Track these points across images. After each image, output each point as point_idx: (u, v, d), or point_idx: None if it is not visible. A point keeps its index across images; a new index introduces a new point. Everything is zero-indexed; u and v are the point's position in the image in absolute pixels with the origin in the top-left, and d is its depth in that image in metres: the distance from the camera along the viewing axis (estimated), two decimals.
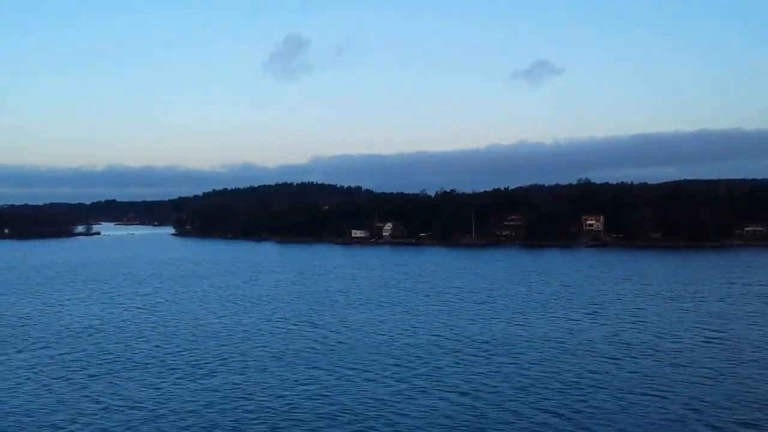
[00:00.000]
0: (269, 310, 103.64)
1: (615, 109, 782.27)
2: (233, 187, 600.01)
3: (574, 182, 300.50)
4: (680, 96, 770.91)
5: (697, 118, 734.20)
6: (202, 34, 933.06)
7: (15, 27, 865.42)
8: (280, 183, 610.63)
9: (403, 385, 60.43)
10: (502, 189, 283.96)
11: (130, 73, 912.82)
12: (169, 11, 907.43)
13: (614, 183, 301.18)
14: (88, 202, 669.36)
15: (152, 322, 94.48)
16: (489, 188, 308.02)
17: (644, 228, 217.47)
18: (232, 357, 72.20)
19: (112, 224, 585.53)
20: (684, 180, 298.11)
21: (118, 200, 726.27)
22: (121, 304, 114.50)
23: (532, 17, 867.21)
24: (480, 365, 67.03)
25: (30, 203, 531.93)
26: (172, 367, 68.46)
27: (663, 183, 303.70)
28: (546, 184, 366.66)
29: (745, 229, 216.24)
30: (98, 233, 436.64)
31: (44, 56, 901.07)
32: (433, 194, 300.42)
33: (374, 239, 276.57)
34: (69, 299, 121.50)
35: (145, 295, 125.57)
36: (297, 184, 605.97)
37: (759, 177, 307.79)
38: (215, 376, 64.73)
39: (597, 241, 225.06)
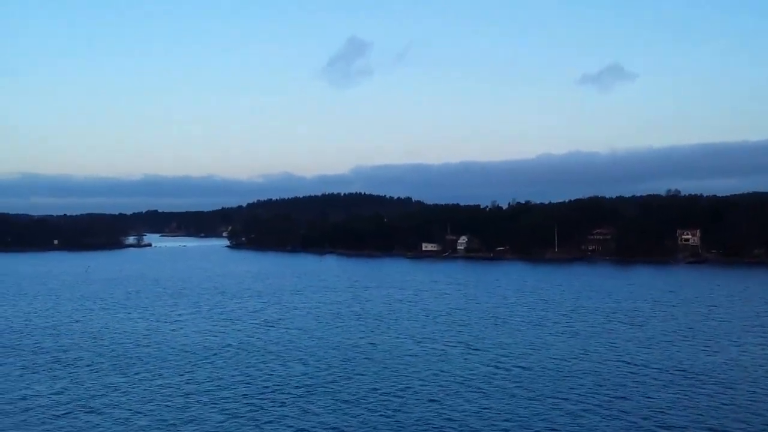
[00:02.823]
0: (405, 330, 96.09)
1: (680, 117, 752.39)
2: (277, 198, 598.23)
3: (634, 194, 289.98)
4: (749, 104, 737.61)
5: (766, 127, 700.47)
6: (260, 39, 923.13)
7: (47, 36, 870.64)
8: (327, 193, 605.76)
9: (628, 419, 52.89)
10: (585, 198, 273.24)
11: (166, 80, 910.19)
12: (219, 14, 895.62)
13: (711, 195, 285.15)
14: (129, 213, 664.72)
15: (283, 343, 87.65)
16: (545, 200, 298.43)
17: (747, 243, 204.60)
18: (407, 383, 64.94)
19: (156, 235, 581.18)
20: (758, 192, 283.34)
21: (159, 210, 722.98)
22: (234, 321, 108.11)
23: (608, 19, 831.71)
24: (700, 397, 59.10)
25: (68, 213, 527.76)
26: (354, 393, 61.72)
27: (747, 194, 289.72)
28: (607, 196, 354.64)
29: None
30: (149, 245, 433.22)
31: (80, 66, 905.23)
32: (505, 206, 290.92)
33: (448, 253, 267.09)
34: (173, 315, 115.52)
35: (253, 311, 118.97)
36: (344, 194, 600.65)
37: None
38: (414, 404, 57.67)
39: (696, 257, 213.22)
